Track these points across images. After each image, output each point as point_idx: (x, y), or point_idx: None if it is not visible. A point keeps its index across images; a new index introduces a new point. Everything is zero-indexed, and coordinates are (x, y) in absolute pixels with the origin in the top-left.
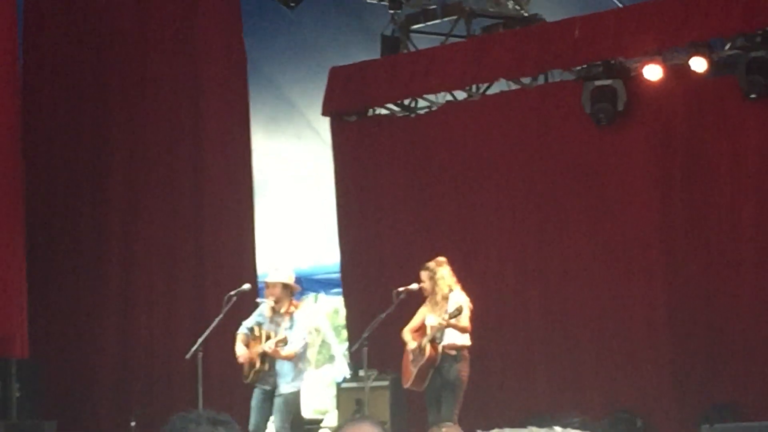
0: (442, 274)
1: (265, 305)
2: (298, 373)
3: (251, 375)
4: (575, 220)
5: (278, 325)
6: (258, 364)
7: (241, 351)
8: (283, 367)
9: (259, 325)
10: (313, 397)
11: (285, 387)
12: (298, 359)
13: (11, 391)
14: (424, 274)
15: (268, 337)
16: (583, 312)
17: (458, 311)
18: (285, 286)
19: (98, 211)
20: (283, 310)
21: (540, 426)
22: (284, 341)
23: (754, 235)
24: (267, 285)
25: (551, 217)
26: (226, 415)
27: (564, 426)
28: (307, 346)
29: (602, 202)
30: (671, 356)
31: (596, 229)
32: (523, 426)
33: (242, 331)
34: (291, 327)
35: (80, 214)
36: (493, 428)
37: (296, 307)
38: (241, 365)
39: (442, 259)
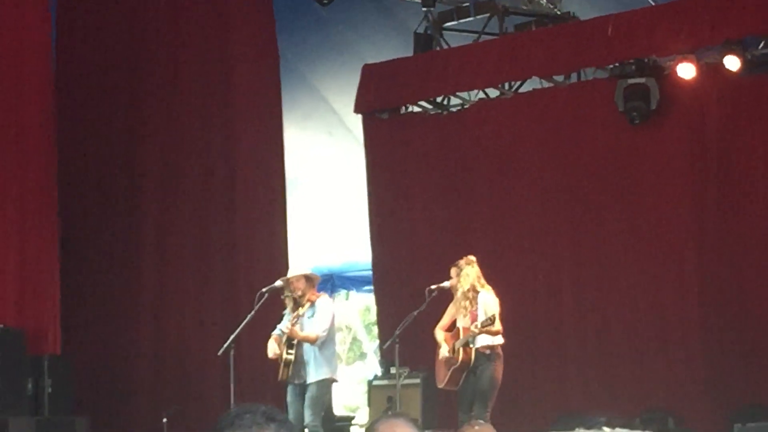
0: (467, 272)
1: (288, 305)
2: (323, 362)
3: (282, 370)
4: (608, 219)
5: (301, 314)
6: (284, 355)
7: (272, 346)
8: (308, 356)
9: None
10: (345, 394)
11: (311, 376)
12: (321, 347)
13: (43, 387)
14: (452, 271)
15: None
16: (615, 310)
17: (491, 320)
18: (307, 278)
19: (131, 208)
20: (304, 300)
21: (572, 425)
22: (297, 317)
23: None
24: (290, 281)
25: (584, 215)
26: (284, 414)
27: (589, 427)
28: (332, 335)
29: (635, 201)
30: (704, 355)
31: (629, 228)
32: (571, 428)
33: (276, 333)
34: (312, 315)
35: (113, 211)
36: (524, 427)
37: (318, 296)
38: (278, 366)
39: (471, 258)
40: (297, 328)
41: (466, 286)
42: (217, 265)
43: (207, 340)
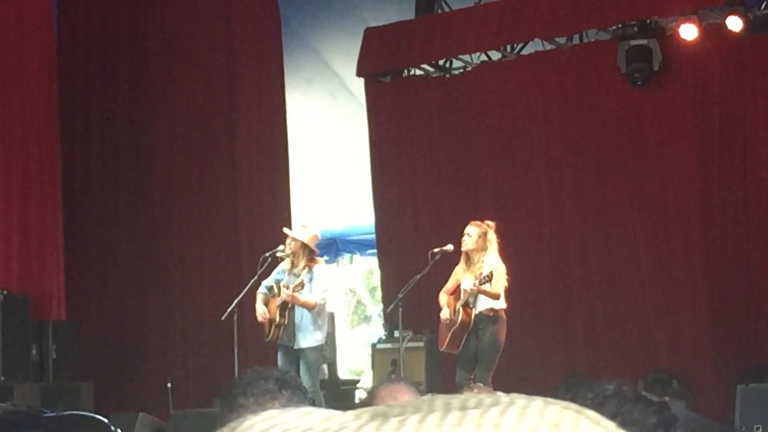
0: (492, 236)
1: (285, 262)
2: (317, 328)
3: (272, 330)
4: (612, 181)
5: (297, 277)
6: (277, 318)
7: (260, 310)
8: (303, 321)
9: (278, 282)
10: (349, 358)
11: (304, 341)
12: (317, 314)
13: (48, 353)
14: (472, 230)
15: (286, 288)
16: (621, 272)
17: (488, 278)
18: (304, 246)
19: (135, 174)
20: (301, 265)
21: (577, 390)
22: (301, 285)
23: None
24: (288, 237)
25: (588, 177)
26: (297, 380)
27: (596, 394)
28: (325, 303)
29: (639, 162)
30: (709, 317)
31: (634, 189)
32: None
33: (261, 291)
34: (310, 280)
35: (117, 177)
36: (531, 389)
37: (316, 262)
38: (262, 324)
39: (492, 223)
40: (296, 294)
41: (490, 252)
42: (220, 229)
43: (210, 304)
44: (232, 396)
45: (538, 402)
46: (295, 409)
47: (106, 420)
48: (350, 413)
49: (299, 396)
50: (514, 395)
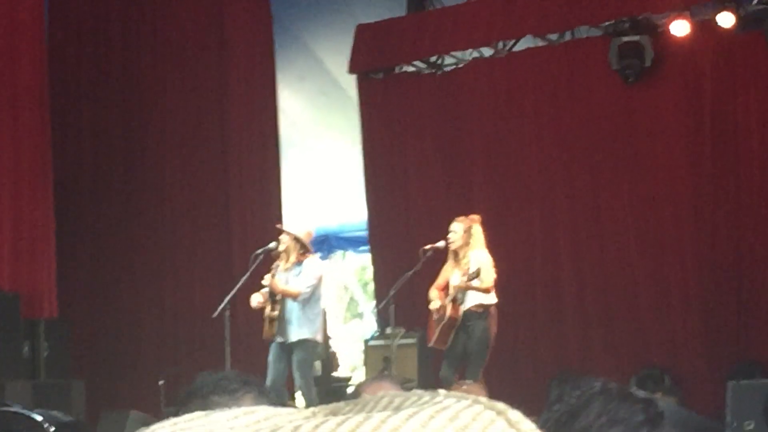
0: (477, 230)
1: (281, 261)
2: (305, 321)
3: (267, 326)
4: (604, 177)
5: (288, 272)
6: (268, 311)
7: (255, 297)
8: (290, 313)
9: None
10: (341, 355)
11: (294, 334)
12: (305, 305)
13: (40, 351)
14: (457, 227)
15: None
16: (613, 269)
17: (476, 274)
18: (296, 239)
19: (126, 170)
20: (292, 259)
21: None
22: (274, 271)
23: None
24: (280, 231)
25: (579, 173)
26: (259, 381)
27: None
28: (318, 296)
29: (631, 159)
30: (701, 314)
31: (625, 186)
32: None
33: (265, 290)
34: (299, 274)
35: (109, 175)
36: (523, 386)
37: (306, 257)
38: (263, 322)
39: (477, 217)
40: (277, 281)
41: (475, 247)
42: (211, 227)
43: (202, 302)
44: (203, 396)
45: (461, 404)
46: (227, 410)
47: (39, 418)
48: (308, 410)
49: (264, 396)
50: (450, 393)
